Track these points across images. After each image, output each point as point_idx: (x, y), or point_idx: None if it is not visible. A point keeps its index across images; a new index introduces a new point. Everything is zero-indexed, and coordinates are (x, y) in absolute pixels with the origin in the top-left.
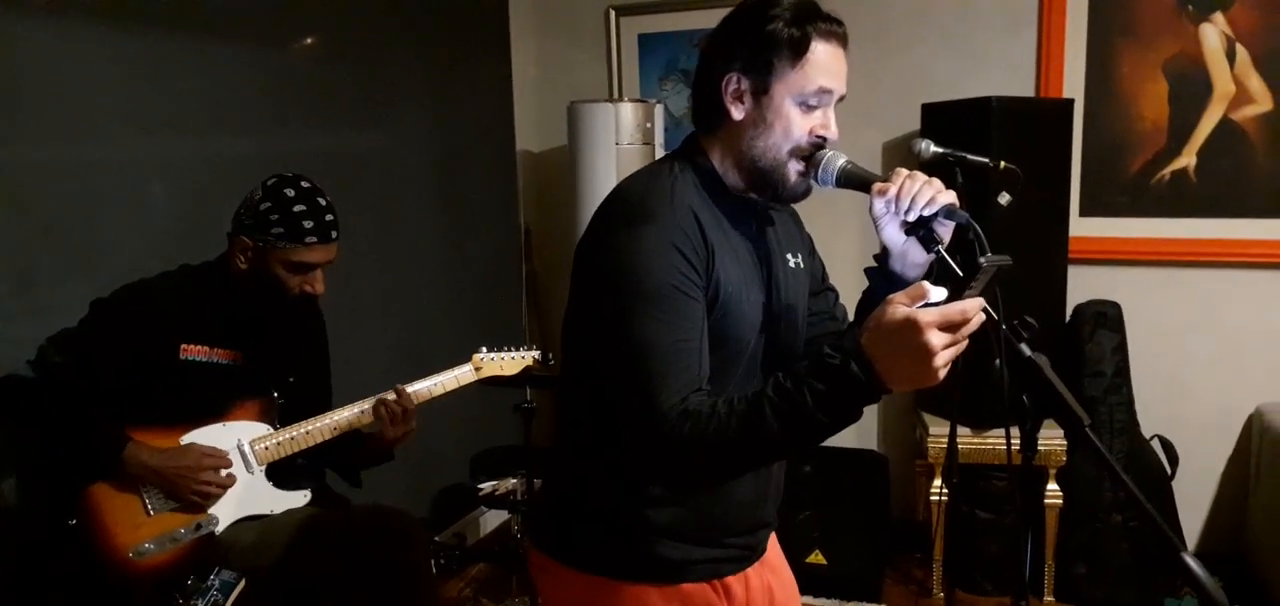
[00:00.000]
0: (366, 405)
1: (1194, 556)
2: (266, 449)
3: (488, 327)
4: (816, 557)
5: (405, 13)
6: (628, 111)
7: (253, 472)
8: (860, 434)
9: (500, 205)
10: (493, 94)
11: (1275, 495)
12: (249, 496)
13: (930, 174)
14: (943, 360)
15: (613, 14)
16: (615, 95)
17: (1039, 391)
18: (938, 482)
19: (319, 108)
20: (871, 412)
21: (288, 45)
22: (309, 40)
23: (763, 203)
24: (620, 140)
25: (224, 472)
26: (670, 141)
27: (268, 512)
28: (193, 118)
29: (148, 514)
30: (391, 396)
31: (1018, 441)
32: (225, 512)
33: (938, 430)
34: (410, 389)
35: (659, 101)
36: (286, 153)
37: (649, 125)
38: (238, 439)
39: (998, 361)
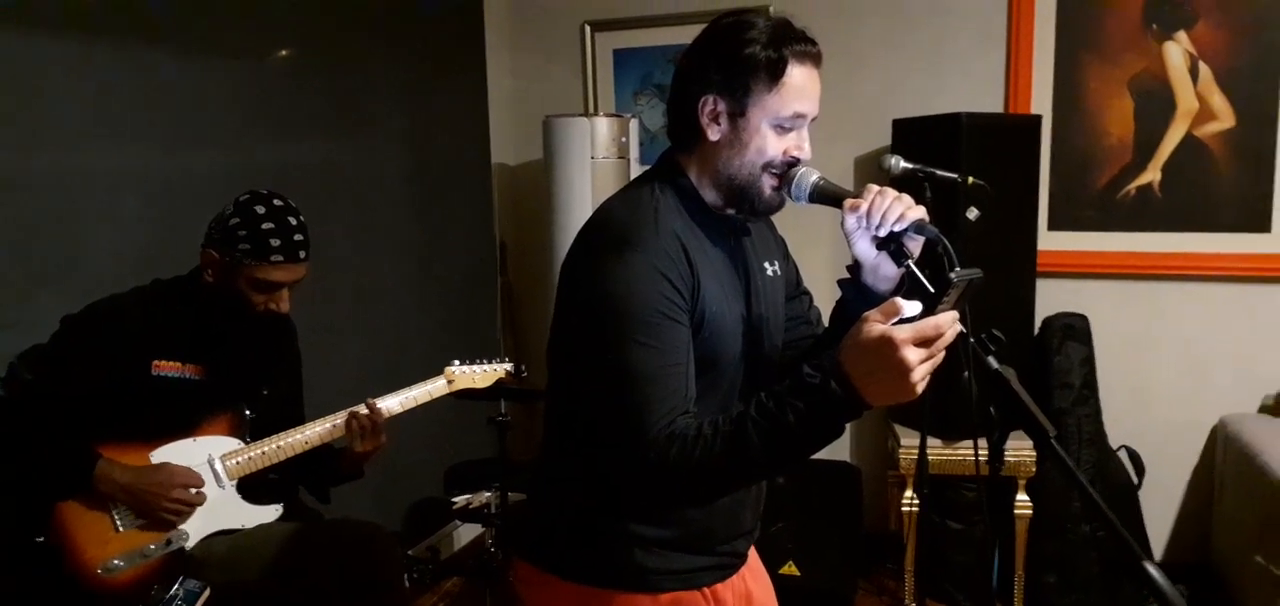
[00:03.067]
0: (339, 419)
1: (1156, 565)
2: (237, 464)
3: (463, 341)
4: (790, 569)
5: (380, 26)
6: (603, 126)
7: (224, 487)
8: (833, 446)
9: (475, 219)
10: (468, 107)
11: (1238, 505)
12: (220, 511)
13: (900, 189)
14: (920, 375)
15: (588, 29)
16: (590, 109)
17: (1006, 403)
18: (909, 493)
19: (294, 120)
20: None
21: (262, 58)
22: (284, 53)
23: (740, 217)
24: (596, 154)
25: (195, 491)
26: (645, 155)
27: (239, 527)
28: (166, 131)
29: (117, 530)
30: (362, 410)
31: (986, 452)
32: (196, 527)
33: (909, 441)
34: (381, 403)
35: (634, 116)
36: (261, 166)
37: (624, 139)
38: (208, 453)
39: (967, 373)
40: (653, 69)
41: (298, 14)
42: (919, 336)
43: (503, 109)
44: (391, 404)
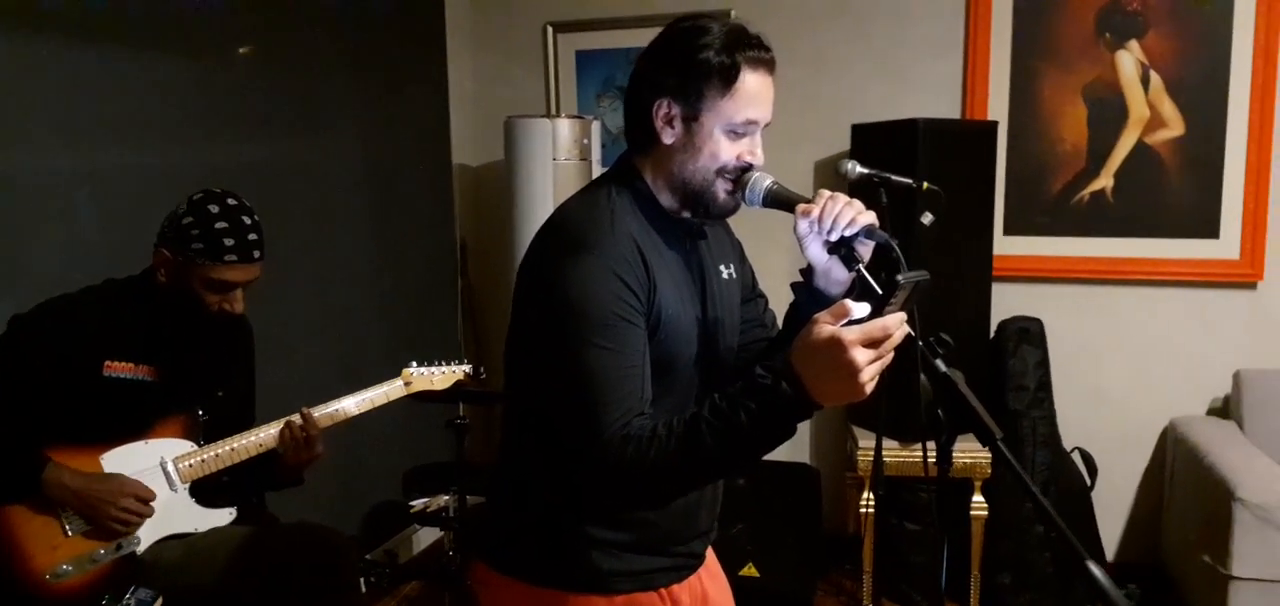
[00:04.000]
0: (295, 419)
1: (1100, 566)
2: (190, 466)
3: (423, 342)
4: (750, 570)
5: (339, 25)
6: (565, 127)
7: (176, 490)
8: (792, 447)
9: (436, 219)
10: (429, 108)
11: (1188, 505)
12: (172, 515)
13: (856, 194)
14: (868, 375)
15: (550, 30)
16: (552, 111)
17: (955, 406)
18: (867, 495)
19: (251, 120)
20: (804, 426)
21: (219, 56)
22: (241, 51)
23: (695, 220)
24: (557, 156)
25: (146, 502)
26: (608, 158)
27: (192, 531)
28: (120, 129)
29: (66, 535)
30: (296, 420)
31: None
32: (147, 531)
33: (867, 443)
34: (334, 406)
35: (596, 118)
36: (217, 165)
37: (586, 141)
38: (161, 456)
39: (922, 376)
40: (615, 71)
41: (256, 12)
42: (867, 337)
43: (464, 109)
44: (347, 405)
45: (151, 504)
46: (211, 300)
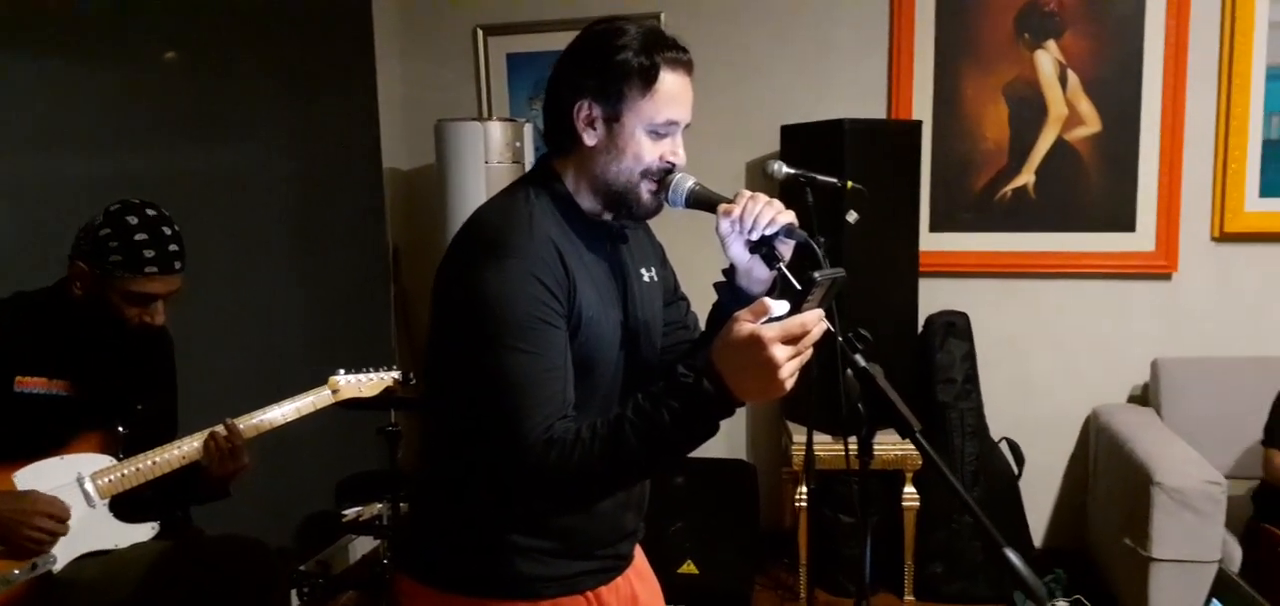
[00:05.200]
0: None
1: (1016, 551)
2: (109, 482)
3: (356, 349)
4: (689, 567)
5: (262, 27)
6: (496, 130)
7: (94, 506)
8: (730, 444)
9: (367, 224)
10: (358, 112)
11: (1110, 491)
12: (90, 531)
13: (783, 194)
14: (788, 372)
15: (480, 33)
16: (484, 114)
17: (875, 400)
18: (802, 489)
19: (173, 126)
20: (740, 423)
21: (135, 59)
22: (163, 55)
23: (617, 223)
24: (490, 159)
25: (60, 520)
26: None
27: (112, 547)
28: (30, 135)
29: None
30: (221, 430)
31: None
32: (65, 549)
33: (801, 438)
34: (260, 417)
35: (528, 121)
36: (133, 172)
37: (518, 144)
38: (78, 472)
39: (850, 371)
40: (546, 74)
41: (176, 15)
42: (786, 334)
43: (394, 113)
44: (273, 415)
45: (67, 521)
46: (131, 313)
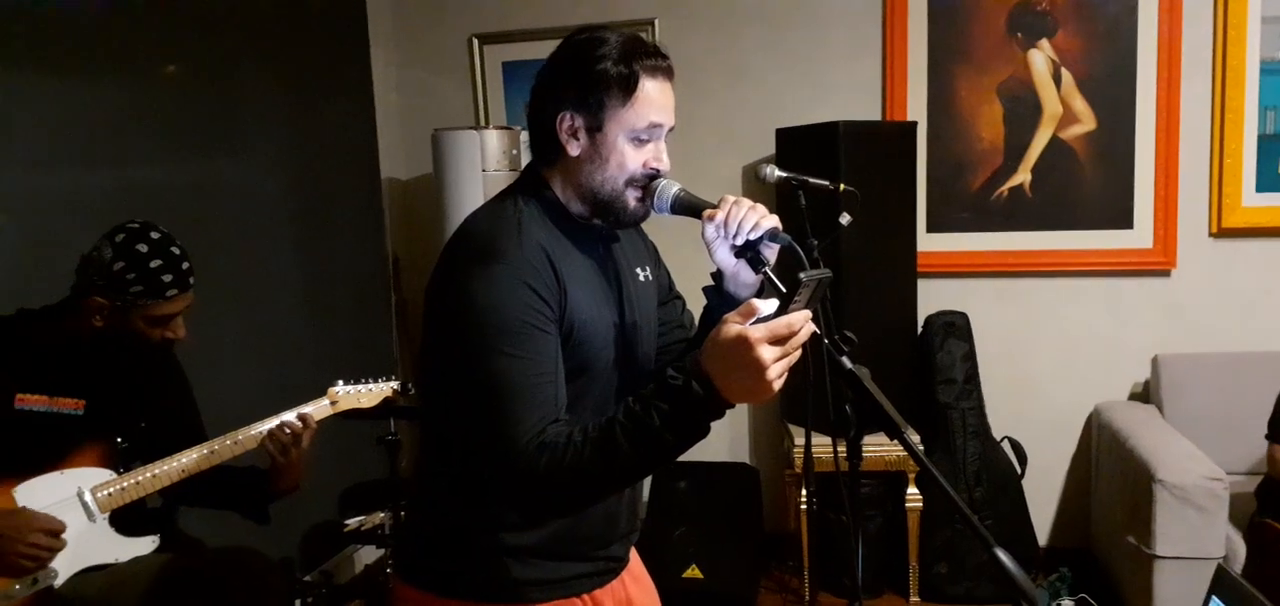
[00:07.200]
0: (216, 445)
1: (1006, 552)
2: (109, 495)
3: (356, 359)
4: (693, 572)
5: (260, 40)
6: (493, 138)
7: (95, 520)
8: (732, 447)
9: (366, 234)
10: (355, 123)
11: (1113, 489)
12: (91, 546)
13: (777, 197)
14: (775, 372)
15: (475, 42)
16: (481, 122)
17: (862, 401)
18: (805, 492)
19: (173, 139)
20: (742, 426)
21: (137, 74)
22: (160, 69)
23: (607, 227)
24: (487, 167)
25: (56, 536)
26: None
27: (112, 561)
28: (33, 150)
29: None
30: (292, 418)
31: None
32: (65, 564)
33: (802, 441)
34: (259, 428)
35: (524, 128)
36: (135, 186)
37: (515, 152)
38: (77, 486)
39: (841, 370)
40: None
41: (175, 30)
42: (773, 335)
43: (391, 123)
44: (270, 426)
45: (65, 536)
46: (155, 333)
